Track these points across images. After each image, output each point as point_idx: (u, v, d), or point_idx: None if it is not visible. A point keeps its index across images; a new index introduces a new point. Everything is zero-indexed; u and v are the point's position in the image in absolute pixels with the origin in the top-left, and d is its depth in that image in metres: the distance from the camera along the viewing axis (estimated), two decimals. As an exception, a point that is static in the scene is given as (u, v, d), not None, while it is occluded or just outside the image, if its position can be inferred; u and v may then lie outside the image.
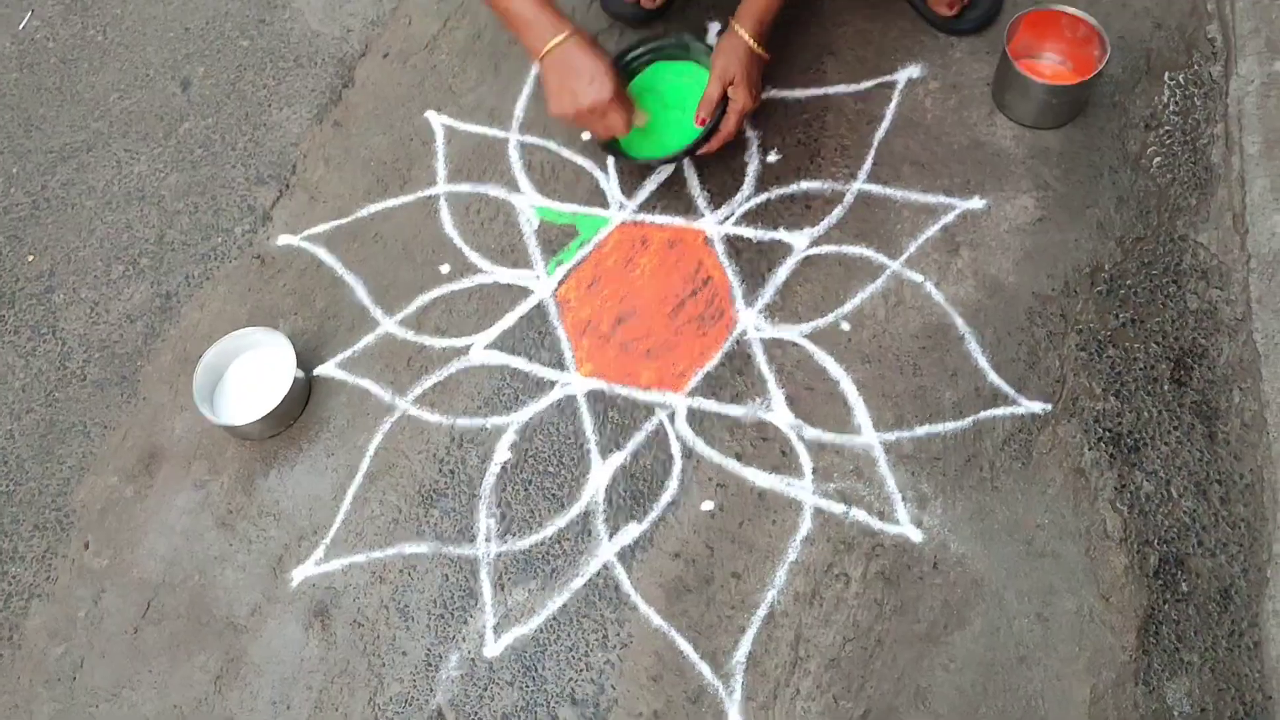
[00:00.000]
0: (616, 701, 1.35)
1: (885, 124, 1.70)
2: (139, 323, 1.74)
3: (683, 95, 1.68)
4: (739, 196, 1.68)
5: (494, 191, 1.75)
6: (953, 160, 1.65)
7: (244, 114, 1.93)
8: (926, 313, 1.54)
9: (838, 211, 1.64)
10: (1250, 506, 1.36)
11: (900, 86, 1.73)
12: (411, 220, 1.75)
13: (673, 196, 1.70)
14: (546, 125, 1.80)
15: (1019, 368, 1.48)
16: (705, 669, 1.35)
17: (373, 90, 1.91)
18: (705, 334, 1.57)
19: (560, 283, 1.65)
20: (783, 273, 1.60)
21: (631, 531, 1.45)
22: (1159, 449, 1.41)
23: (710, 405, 1.52)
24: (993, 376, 1.48)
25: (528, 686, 1.37)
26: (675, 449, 1.49)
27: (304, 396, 1.61)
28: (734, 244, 1.64)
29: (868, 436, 1.46)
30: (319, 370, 1.64)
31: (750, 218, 1.66)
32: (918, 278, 1.57)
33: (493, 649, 1.40)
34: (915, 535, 1.39)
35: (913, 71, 1.74)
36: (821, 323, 1.56)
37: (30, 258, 1.84)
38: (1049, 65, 1.69)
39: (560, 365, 1.59)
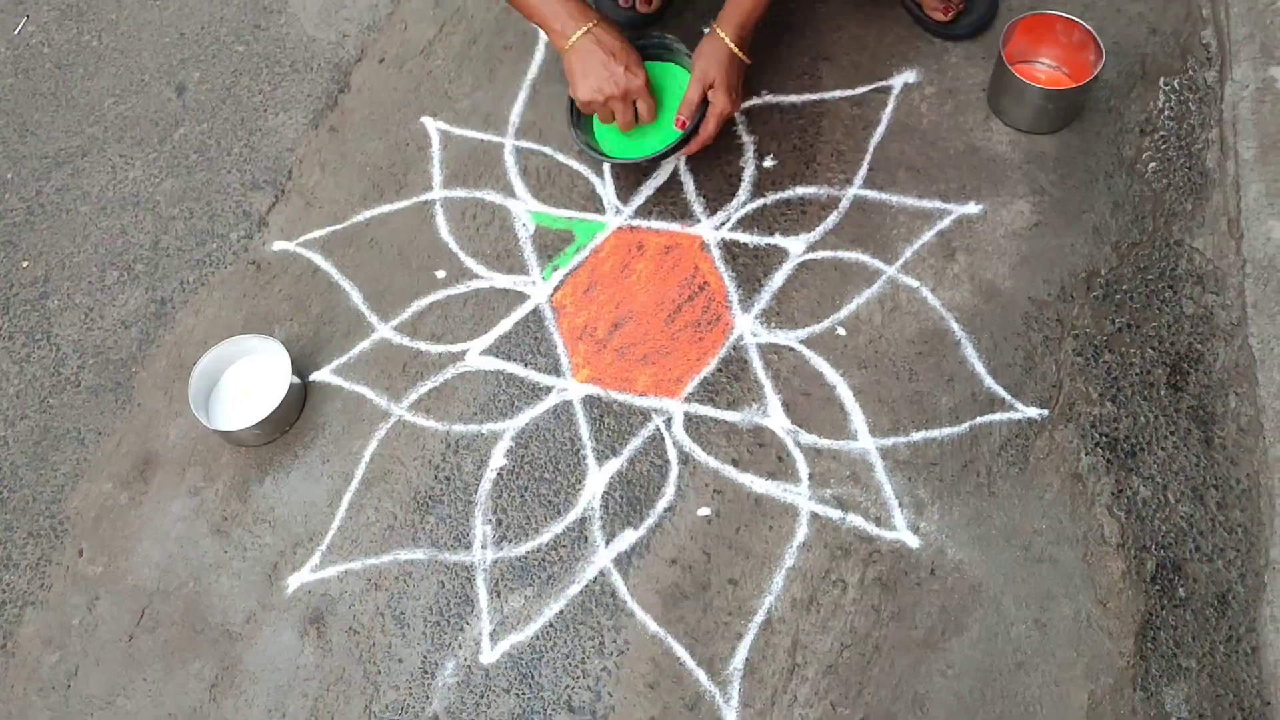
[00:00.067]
0: (613, 709, 1.34)
1: (881, 129, 1.70)
2: (134, 328, 1.73)
3: (663, 96, 1.67)
4: (735, 202, 1.68)
5: (490, 197, 1.75)
6: (948, 165, 1.65)
7: (239, 119, 1.93)
8: (922, 318, 1.54)
9: (834, 217, 1.64)
10: (1247, 511, 1.36)
11: (896, 92, 1.73)
12: (407, 226, 1.75)
13: (669, 202, 1.70)
14: (542, 130, 1.80)
15: (1015, 373, 1.48)
16: (702, 675, 1.35)
17: (368, 96, 1.91)
18: (702, 339, 1.57)
19: (556, 288, 1.65)
20: (779, 278, 1.60)
21: (628, 538, 1.44)
22: (1156, 454, 1.41)
23: (707, 411, 1.52)
24: (989, 382, 1.48)
25: (524, 694, 1.37)
26: (672, 455, 1.49)
27: (299, 402, 1.61)
28: (730, 249, 1.64)
29: (864, 442, 1.46)
30: (314, 376, 1.63)
31: (746, 223, 1.65)
32: (914, 283, 1.57)
33: (489, 656, 1.40)
34: (912, 541, 1.39)
35: (908, 77, 1.75)
36: (818, 328, 1.55)
37: (25, 263, 1.84)
38: (1044, 70, 1.69)
39: (556, 371, 1.58)
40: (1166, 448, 1.41)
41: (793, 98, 1.75)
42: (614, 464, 1.50)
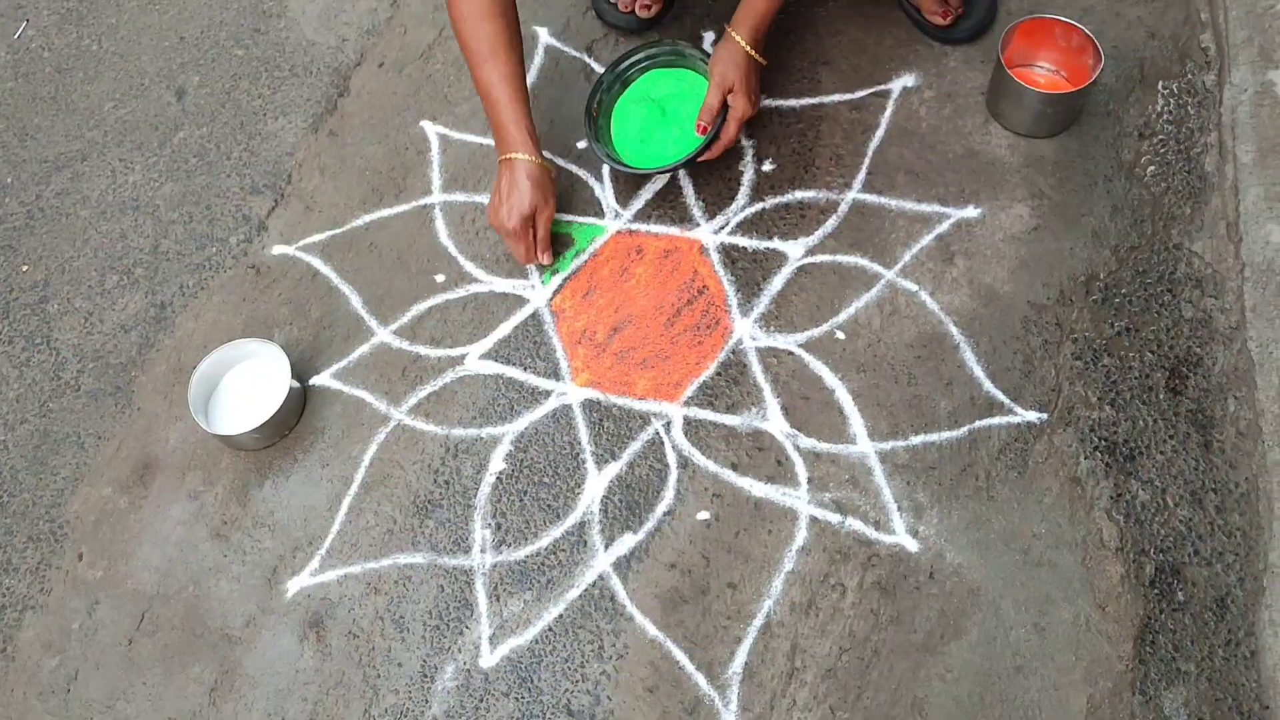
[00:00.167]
0: (612, 713, 1.34)
1: (880, 133, 1.70)
2: (133, 333, 1.73)
3: (679, 102, 1.69)
4: (734, 206, 1.68)
5: (489, 201, 1.75)
6: (947, 169, 1.65)
7: (239, 123, 1.93)
8: (921, 322, 1.54)
9: (832, 221, 1.64)
10: (1246, 515, 1.36)
11: (895, 95, 1.74)
12: (407, 230, 1.75)
13: (668, 206, 1.70)
14: (541, 135, 1.79)
15: (1014, 377, 1.48)
16: (701, 680, 1.35)
17: (368, 100, 1.91)
18: (701, 343, 1.57)
19: (555, 292, 1.65)
20: (778, 282, 1.60)
21: (627, 542, 1.45)
22: (1154, 458, 1.41)
23: (706, 415, 1.52)
24: (988, 385, 1.48)
25: (524, 698, 1.37)
26: (671, 459, 1.49)
27: (299, 407, 1.61)
28: (729, 253, 1.64)
29: (863, 446, 1.46)
30: (314, 380, 1.64)
31: (745, 227, 1.66)
32: (912, 287, 1.57)
33: (488, 660, 1.40)
34: (911, 545, 1.39)
35: (907, 81, 1.75)
36: (817, 332, 1.56)
37: (25, 268, 1.84)
38: (1043, 74, 1.69)
39: (555, 375, 1.58)
40: (1165, 451, 1.41)
41: (792, 102, 1.76)
42: (613, 468, 1.50)
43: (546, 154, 1.75)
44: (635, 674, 1.36)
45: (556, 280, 1.66)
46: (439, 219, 1.75)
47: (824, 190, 1.67)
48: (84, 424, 1.66)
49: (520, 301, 1.65)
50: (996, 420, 1.46)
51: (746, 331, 1.57)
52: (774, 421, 1.50)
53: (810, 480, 1.45)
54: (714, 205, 1.68)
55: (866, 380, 1.51)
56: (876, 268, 1.59)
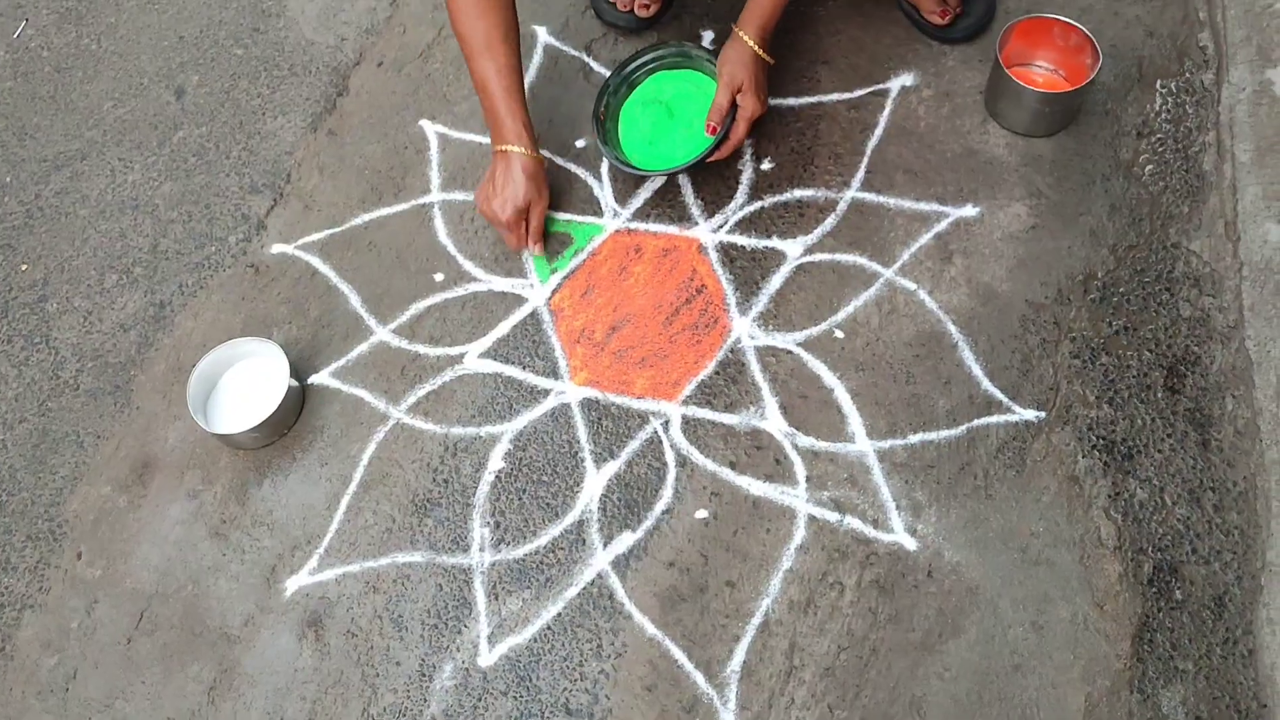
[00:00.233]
0: (611, 711, 1.34)
1: (878, 132, 1.70)
2: (132, 332, 1.74)
3: (686, 104, 1.69)
4: (733, 204, 1.68)
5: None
6: (946, 168, 1.65)
7: (238, 122, 1.93)
8: (920, 320, 1.54)
9: (831, 219, 1.64)
10: (1244, 514, 1.36)
11: (893, 94, 1.74)
12: (405, 229, 1.75)
13: (666, 205, 1.70)
14: (540, 134, 1.79)
15: (1012, 375, 1.48)
16: (699, 678, 1.35)
17: (367, 99, 1.91)
18: (699, 342, 1.57)
19: (554, 291, 1.65)
20: (776, 281, 1.60)
21: (626, 540, 1.45)
22: (1153, 456, 1.41)
23: (704, 414, 1.52)
24: (986, 384, 1.48)
25: (522, 696, 1.37)
26: (669, 457, 1.49)
27: (298, 405, 1.61)
28: (728, 252, 1.64)
29: (861, 444, 1.47)
30: (313, 379, 1.64)
31: (744, 226, 1.66)
32: (911, 285, 1.57)
33: (487, 659, 1.40)
34: (909, 543, 1.39)
35: (906, 80, 1.75)
36: (815, 331, 1.56)
37: (24, 267, 1.84)
38: (1041, 73, 1.69)
39: (554, 374, 1.58)
40: (1163, 450, 1.41)
41: (791, 100, 1.76)
42: (612, 466, 1.50)
43: (545, 153, 1.75)
44: (634, 672, 1.36)
45: (555, 279, 1.66)
46: (438, 218, 1.75)
47: (823, 189, 1.67)
48: (83, 423, 1.66)
49: (519, 300, 1.65)
50: (995, 419, 1.46)
51: (745, 330, 1.57)
52: (772, 420, 1.50)
53: (809, 479, 1.45)
54: (713, 204, 1.68)
55: (865, 379, 1.51)
56: (875, 266, 1.59)
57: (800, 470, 1.46)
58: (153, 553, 1.54)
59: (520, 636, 1.41)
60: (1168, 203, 1.58)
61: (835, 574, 1.39)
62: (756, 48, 1.56)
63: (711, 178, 1.70)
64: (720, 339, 1.57)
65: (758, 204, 1.67)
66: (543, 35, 1.90)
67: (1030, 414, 1.46)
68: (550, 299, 1.65)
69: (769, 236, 1.64)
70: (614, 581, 1.42)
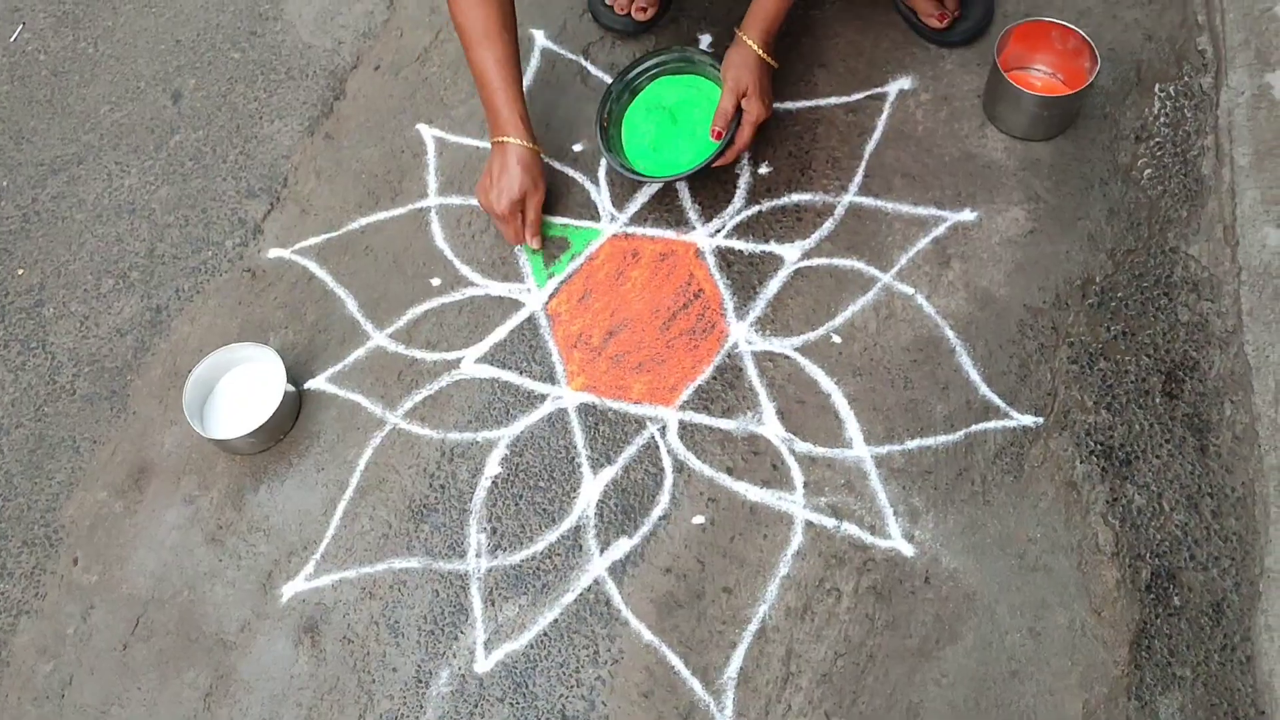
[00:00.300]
0: (608, 718, 1.34)
1: (876, 136, 1.70)
2: (129, 336, 1.73)
3: (689, 109, 1.68)
4: (730, 209, 1.67)
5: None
6: (944, 172, 1.65)
7: (235, 126, 1.93)
8: (917, 325, 1.54)
9: (829, 224, 1.64)
10: (1242, 520, 1.35)
11: (891, 98, 1.73)
12: (402, 233, 1.75)
13: (664, 209, 1.69)
14: (537, 138, 1.79)
15: (1010, 380, 1.48)
16: (696, 685, 1.35)
17: (364, 103, 1.91)
18: (696, 347, 1.57)
19: (551, 296, 1.65)
20: (774, 286, 1.60)
21: (622, 546, 1.44)
22: (1150, 462, 1.41)
23: (701, 419, 1.52)
24: (984, 389, 1.48)
25: (518, 703, 1.36)
26: (666, 463, 1.49)
27: (294, 411, 1.60)
28: (725, 256, 1.64)
29: (859, 450, 1.46)
30: (309, 384, 1.63)
31: (741, 230, 1.65)
32: (909, 290, 1.56)
33: (483, 665, 1.40)
34: (907, 549, 1.39)
35: (904, 83, 1.74)
36: (813, 336, 1.55)
37: (20, 271, 1.84)
38: (1040, 77, 1.69)
39: (551, 379, 1.58)
40: (1161, 456, 1.41)
41: (788, 104, 1.75)
42: (609, 472, 1.50)
43: (542, 157, 1.75)
44: (630, 679, 1.36)
45: (552, 284, 1.66)
46: (435, 222, 1.75)
47: (820, 193, 1.66)
48: (79, 428, 1.66)
49: (516, 305, 1.65)
50: (992, 424, 1.46)
51: (742, 335, 1.57)
52: (770, 426, 1.50)
53: (806, 484, 1.45)
54: (710, 208, 1.68)
55: (862, 384, 1.51)
56: (873, 271, 1.59)
57: (797, 476, 1.45)
58: (149, 558, 1.54)
59: (517, 643, 1.40)
60: (1166, 207, 1.58)
61: (832, 580, 1.38)
62: (760, 51, 1.56)
63: (709, 182, 1.70)
64: (717, 344, 1.57)
65: (755, 208, 1.67)
66: (540, 39, 1.90)
67: (1028, 419, 1.45)
68: (547, 304, 1.65)
69: (766, 241, 1.64)
70: (611, 588, 1.42)
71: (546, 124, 1.80)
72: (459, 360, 1.62)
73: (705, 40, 1.84)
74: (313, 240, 1.77)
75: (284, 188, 1.84)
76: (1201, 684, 1.28)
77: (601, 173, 1.74)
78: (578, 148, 1.77)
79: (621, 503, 1.47)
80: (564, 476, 1.50)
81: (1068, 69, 1.66)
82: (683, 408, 1.53)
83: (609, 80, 1.76)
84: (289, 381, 1.58)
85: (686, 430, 1.51)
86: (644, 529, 1.45)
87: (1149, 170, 1.61)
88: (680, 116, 1.69)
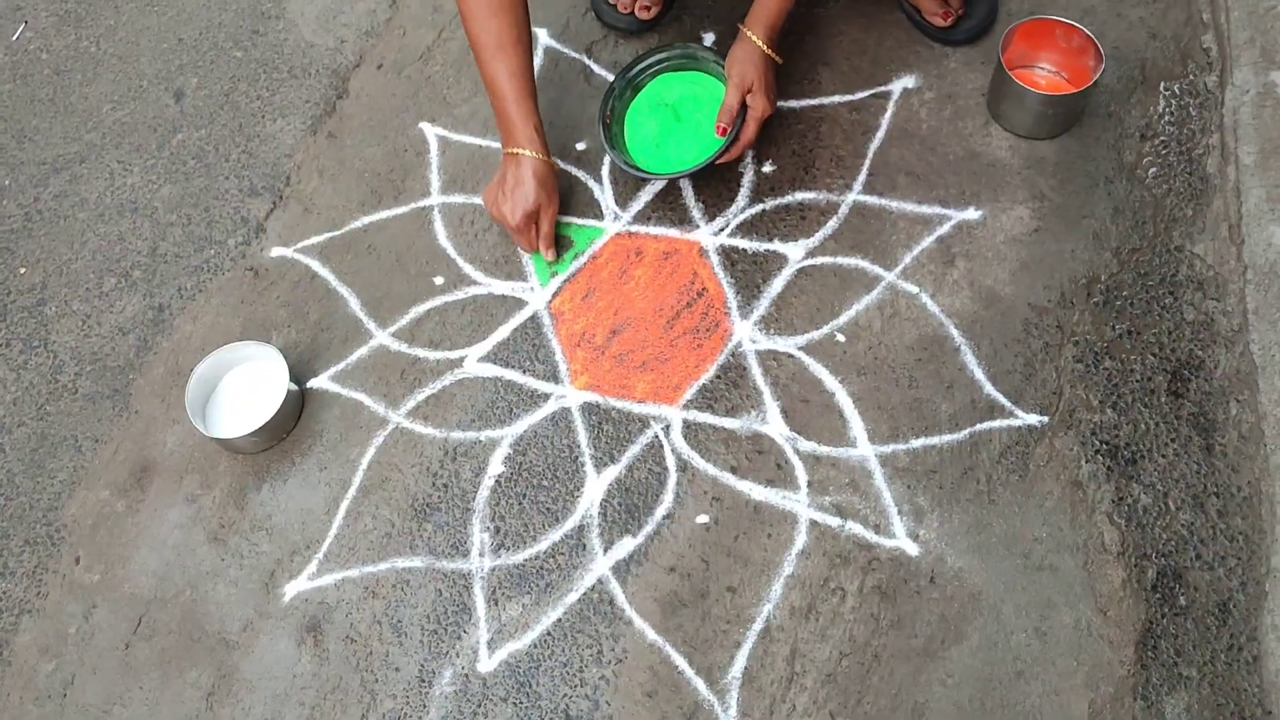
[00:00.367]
0: (611, 718, 1.34)
1: (880, 134, 1.70)
2: (131, 335, 1.73)
3: (693, 106, 1.68)
4: (734, 207, 1.67)
5: (488, 191, 1.74)
6: (948, 171, 1.65)
7: (237, 125, 1.93)
8: (922, 324, 1.53)
9: (833, 222, 1.63)
10: (1248, 519, 1.35)
11: (895, 97, 1.73)
12: (405, 232, 1.74)
13: (667, 208, 1.69)
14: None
15: (1015, 379, 1.48)
16: (700, 685, 1.34)
17: (367, 101, 1.91)
18: (700, 346, 1.57)
19: (555, 294, 1.65)
20: (778, 284, 1.60)
21: (626, 545, 1.44)
22: (1156, 461, 1.40)
23: (705, 418, 1.51)
24: (989, 388, 1.47)
25: (522, 703, 1.36)
26: (670, 462, 1.49)
27: (297, 410, 1.60)
28: (729, 255, 1.63)
29: (863, 449, 1.46)
30: (312, 383, 1.63)
31: (745, 229, 1.65)
32: (913, 289, 1.56)
33: (487, 665, 1.39)
34: (912, 549, 1.39)
35: (908, 82, 1.74)
36: (817, 334, 1.55)
37: (22, 270, 1.83)
38: (1044, 75, 1.68)
39: (555, 378, 1.58)
40: (1167, 455, 1.40)
41: (792, 103, 1.75)
42: (612, 471, 1.49)
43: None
44: (634, 679, 1.36)
45: (555, 282, 1.66)
46: (438, 221, 1.74)
47: (824, 192, 1.66)
48: (81, 427, 1.66)
49: (519, 304, 1.65)
50: (997, 423, 1.45)
51: (746, 334, 1.56)
52: (774, 425, 1.49)
53: (810, 484, 1.44)
54: (714, 207, 1.68)
55: (867, 383, 1.50)
56: (877, 270, 1.58)
57: (802, 475, 1.45)
58: (151, 557, 1.53)
59: (520, 642, 1.40)
60: (1171, 206, 1.58)
61: (837, 579, 1.38)
62: (765, 47, 1.56)
63: (713, 180, 1.70)
64: (721, 343, 1.56)
65: (759, 207, 1.66)
66: (543, 37, 1.90)
67: (1033, 418, 1.45)
68: (550, 302, 1.64)
69: (770, 239, 1.63)
70: (614, 587, 1.41)
71: (550, 123, 1.78)
72: (462, 359, 1.61)
73: (709, 38, 1.83)
74: (315, 239, 1.76)
75: (287, 186, 1.84)
76: (1208, 684, 1.27)
77: (605, 171, 1.74)
78: (581, 146, 1.77)
79: (625, 502, 1.47)
80: (567, 476, 1.50)
81: (1072, 67, 1.65)
82: (686, 407, 1.52)
83: (612, 78, 1.76)
84: (291, 380, 1.57)
85: (690, 429, 1.51)
86: (648, 528, 1.44)
87: (1154, 169, 1.61)
88: (684, 113, 1.69)
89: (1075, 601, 1.33)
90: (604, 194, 1.72)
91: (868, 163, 1.67)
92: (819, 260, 1.61)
